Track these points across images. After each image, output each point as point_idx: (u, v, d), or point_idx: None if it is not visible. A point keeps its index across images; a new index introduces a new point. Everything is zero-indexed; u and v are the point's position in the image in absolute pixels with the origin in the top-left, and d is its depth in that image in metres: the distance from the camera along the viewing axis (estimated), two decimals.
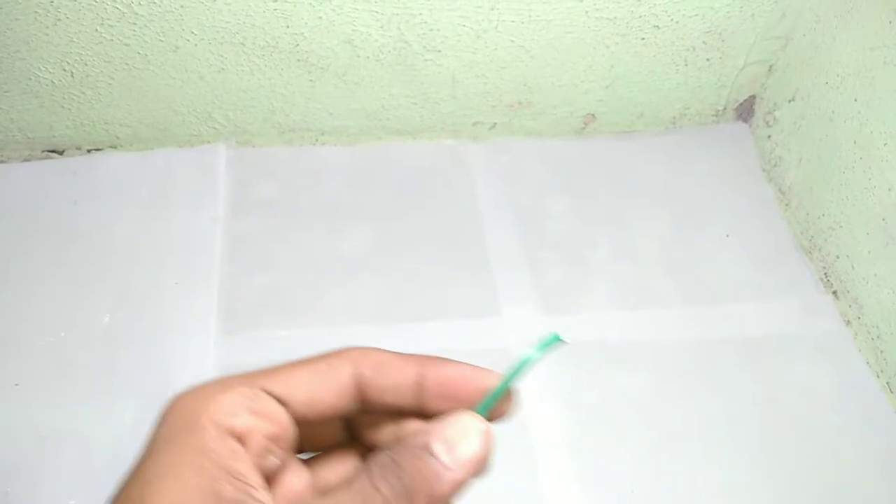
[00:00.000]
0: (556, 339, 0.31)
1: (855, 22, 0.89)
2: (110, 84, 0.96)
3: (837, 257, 0.95)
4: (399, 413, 0.32)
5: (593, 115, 1.09)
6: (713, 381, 0.87)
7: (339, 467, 0.33)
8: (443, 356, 0.32)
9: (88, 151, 1.04)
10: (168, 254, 0.93)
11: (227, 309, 0.89)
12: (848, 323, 0.93)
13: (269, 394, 0.29)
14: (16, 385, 0.81)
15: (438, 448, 0.27)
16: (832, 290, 0.96)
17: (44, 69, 0.93)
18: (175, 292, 0.90)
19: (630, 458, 0.82)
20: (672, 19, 0.97)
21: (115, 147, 1.05)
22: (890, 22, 0.84)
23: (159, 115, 1.01)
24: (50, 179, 1.00)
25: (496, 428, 0.30)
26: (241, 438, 0.28)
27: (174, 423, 0.28)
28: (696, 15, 0.97)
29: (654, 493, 0.80)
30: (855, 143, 0.91)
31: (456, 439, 0.28)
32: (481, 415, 0.30)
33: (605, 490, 0.80)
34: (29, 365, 0.83)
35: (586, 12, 0.94)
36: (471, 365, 0.32)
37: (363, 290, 0.92)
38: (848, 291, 0.94)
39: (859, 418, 0.85)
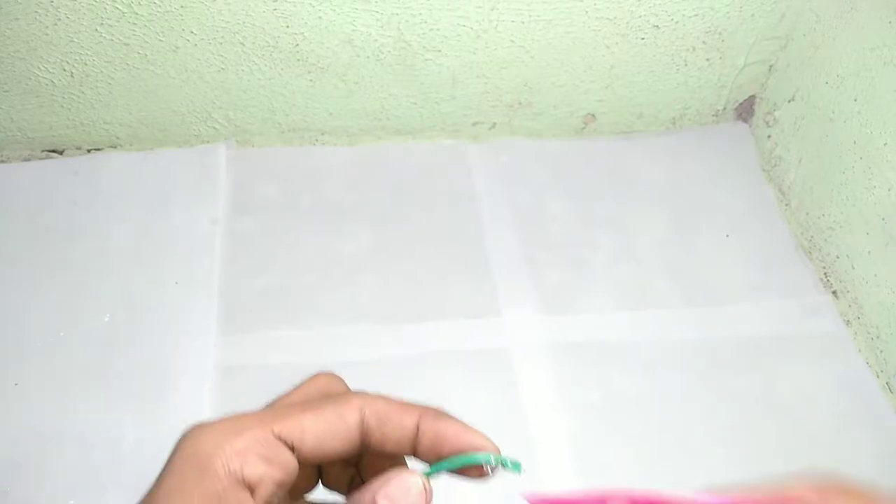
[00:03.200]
0: (516, 468, 0.34)
1: (855, 22, 0.89)
2: (110, 84, 0.96)
3: (837, 257, 0.95)
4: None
5: (593, 115, 1.09)
6: (713, 381, 0.87)
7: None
8: (442, 409, 0.35)
9: (88, 151, 1.04)
10: (168, 254, 0.93)
11: (227, 309, 0.89)
12: (848, 323, 0.93)
13: (281, 440, 0.30)
14: (16, 385, 0.81)
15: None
16: (832, 290, 0.96)
17: (44, 69, 0.93)
18: (175, 292, 0.90)
19: (630, 457, 0.82)
20: (672, 19, 0.97)
21: (115, 147, 1.05)
22: (890, 22, 0.84)
23: (159, 115, 1.01)
24: (50, 179, 1.00)
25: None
26: (251, 486, 0.29)
27: (188, 463, 0.29)
28: (696, 15, 0.97)
29: None
30: (855, 143, 0.91)
31: (397, 496, 0.31)
32: (432, 473, 0.32)
33: None
34: (29, 365, 0.83)
35: (586, 12, 0.94)
36: (463, 424, 0.34)
37: (363, 291, 0.92)
38: (848, 291, 0.94)
39: (859, 418, 0.85)
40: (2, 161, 1.02)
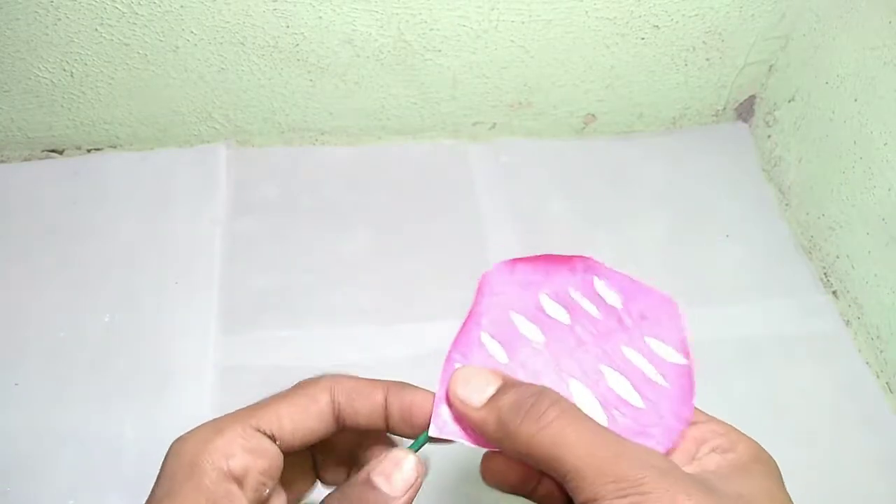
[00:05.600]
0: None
1: (855, 22, 0.89)
2: (110, 84, 0.97)
3: (837, 257, 0.95)
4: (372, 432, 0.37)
5: (593, 115, 1.09)
6: (712, 381, 0.87)
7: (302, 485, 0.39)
8: (407, 382, 0.36)
9: (88, 151, 1.04)
10: (168, 254, 0.93)
11: (227, 309, 0.89)
12: (848, 323, 0.93)
13: (261, 431, 0.33)
14: (16, 385, 0.81)
15: (378, 480, 0.32)
16: (832, 290, 0.96)
17: (44, 69, 0.93)
18: (175, 292, 0.90)
19: None
20: (672, 19, 0.97)
21: (115, 147, 1.05)
22: (890, 22, 0.84)
23: (159, 115, 1.01)
24: (50, 179, 1.00)
25: None
26: (238, 478, 0.31)
27: (177, 466, 0.31)
28: (696, 15, 0.97)
29: None
30: (855, 143, 0.91)
31: (391, 471, 0.33)
32: (414, 449, 0.35)
33: None
34: (29, 365, 0.83)
35: (586, 12, 0.94)
36: (427, 391, 0.36)
37: (363, 291, 0.92)
38: (848, 291, 0.94)
39: (859, 419, 0.85)
40: (2, 161, 1.03)
